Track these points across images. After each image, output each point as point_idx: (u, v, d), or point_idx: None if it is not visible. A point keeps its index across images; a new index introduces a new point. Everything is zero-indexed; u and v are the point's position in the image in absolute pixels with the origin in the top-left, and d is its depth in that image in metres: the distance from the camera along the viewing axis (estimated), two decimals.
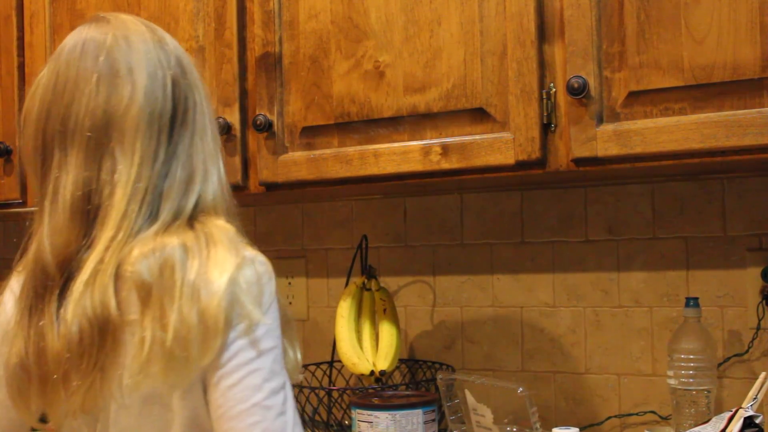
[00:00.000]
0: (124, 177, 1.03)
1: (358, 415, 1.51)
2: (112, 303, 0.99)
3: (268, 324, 1.02)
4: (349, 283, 1.79)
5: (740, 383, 1.56)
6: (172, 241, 1.01)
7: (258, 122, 1.59)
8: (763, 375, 1.31)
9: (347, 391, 1.67)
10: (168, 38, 1.12)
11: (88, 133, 1.04)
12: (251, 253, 1.05)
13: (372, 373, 1.63)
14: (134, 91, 1.05)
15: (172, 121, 1.07)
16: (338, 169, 1.54)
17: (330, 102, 1.55)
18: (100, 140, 1.04)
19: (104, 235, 1.02)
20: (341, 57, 1.54)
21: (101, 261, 1.01)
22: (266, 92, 1.60)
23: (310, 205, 2.00)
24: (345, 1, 1.54)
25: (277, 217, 2.04)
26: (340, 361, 1.72)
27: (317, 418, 1.73)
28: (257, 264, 1.04)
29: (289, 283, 2.02)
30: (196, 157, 1.08)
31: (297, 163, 1.57)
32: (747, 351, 1.56)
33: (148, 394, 1.01)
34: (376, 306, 1.74)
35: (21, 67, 1.95)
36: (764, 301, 1.54)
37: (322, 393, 1.69)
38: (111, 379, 1.00)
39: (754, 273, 1.56)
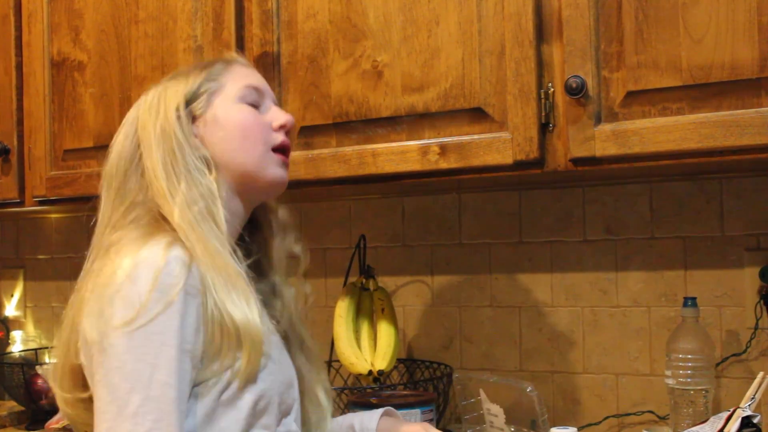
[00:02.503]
0: None
1: None
2: None
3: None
4: (348, 282, 1.78)
5: (738, 383, 1.56)
6: None
7: None
8: (761, 375, 1.31)
9: (345, 391, 1.67)
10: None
11: None
12: None
13: (370, 372, 1.63)
14: None
15: None
16: (336, 169, 1.54)
17: (328, 102, 1.55)
18: None
19: None
20: (339, 57, 1.54)
21: None
22: None
23: (308, 205, 2.00)
24: (343, 0, 1.54)
25: None
26: (338, 360, 1.72)
27: None
28: None
29: None
30: None
31: (295, 162, 1.57)
32: (745, 351, 1.57)
33: None
34: (374, 306, 1.74)
35: (18, 66, 1.95)
36: (762, 301, 1.54)
37: None
38: None
39: (752, 273, 1.56)
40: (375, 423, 1.31)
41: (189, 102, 1.21)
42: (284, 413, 1.19)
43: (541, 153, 1.38)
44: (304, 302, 1.32)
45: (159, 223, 1.13)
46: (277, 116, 1.26)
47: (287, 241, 1.31)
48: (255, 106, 1.25)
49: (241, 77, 1.25)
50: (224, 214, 1.16)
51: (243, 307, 1.10)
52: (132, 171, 1.19)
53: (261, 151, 1.22)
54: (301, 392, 1.26)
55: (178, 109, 1.20)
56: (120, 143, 1.22)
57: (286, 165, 1.26)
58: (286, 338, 1.28)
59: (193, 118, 1.21)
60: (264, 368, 1.13)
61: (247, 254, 1.22)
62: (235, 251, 1.16)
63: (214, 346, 1.07)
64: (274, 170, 1.23)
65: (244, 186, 1.21)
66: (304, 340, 1.31)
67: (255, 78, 1.28)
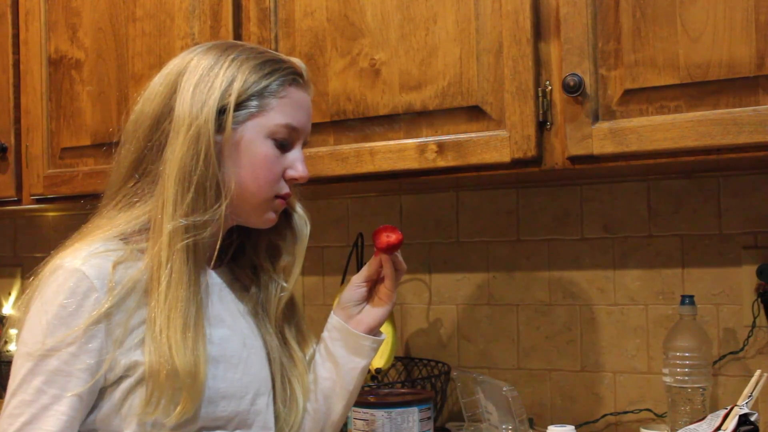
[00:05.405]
0: None
1: (354, 413, 1.51)
2: None
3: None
4: (345, 280, 1.78)
5: (735, 381, 1.56)
6: None
7: None
8: (758, 373, 1.31)
9: None
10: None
11: None
12: None
13: (368, 371, 1.63)
14: None
15: None
16: (334, 167, 1.54)
17: (326, 100, 1.55)
18: None
19: None
20: (337, 55, 1.54)
21: None
22: None
23: (305, 203, 1.99)
24: None
25: None
26: None
27: None
28: None
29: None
30: None
31: None
32: (742, 349, 1.57)
33: None
34: None
35: (16, 64, 1.95)
36: (759, 299, 1.54)
37: None
38: None
39: (749, 271, 1.56)
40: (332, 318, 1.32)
41: (235, 106, 1.11)
42: (236, 426, 1.14)
43: (539, 151, 1.38)
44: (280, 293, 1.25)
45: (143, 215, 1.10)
46: (296, 166, 1.17)
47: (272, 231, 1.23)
48: (283, 145, 1.15)
49: (289, 111, 1.15)
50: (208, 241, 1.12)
51: (193, 350, 1.05)
52: (154, 139, 1.11)
53: (265, 198, 1.15)
54: (276, 390, 1.22)
55: (223, 112, 1.10)
56: (156, 93, 1.15)
57: (282, 208, 1.19)
58: (267, 333, 1.23)
59: (223, 128, 1.10)
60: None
61: (228, 236, 1.18)
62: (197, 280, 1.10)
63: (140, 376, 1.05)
64: (267, 216, 1.17)
65: (233, 214, 1.14)
66: (285, 334, 1.26)
67: (300, 115, 1.17)
